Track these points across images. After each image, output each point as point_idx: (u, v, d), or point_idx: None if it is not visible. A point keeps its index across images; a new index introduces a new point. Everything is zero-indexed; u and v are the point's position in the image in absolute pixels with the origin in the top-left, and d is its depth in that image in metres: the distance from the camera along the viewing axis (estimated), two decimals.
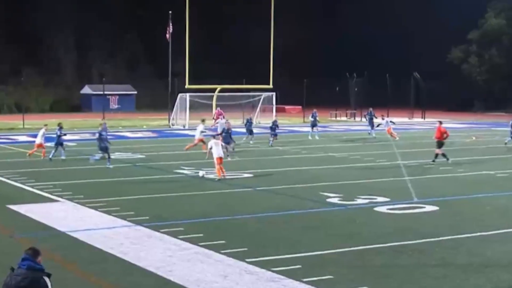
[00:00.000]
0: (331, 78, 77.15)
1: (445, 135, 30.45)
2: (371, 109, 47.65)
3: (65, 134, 32.35)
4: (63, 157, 30.67)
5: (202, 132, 34.47)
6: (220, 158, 24.89)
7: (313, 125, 43.47)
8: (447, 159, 29.80)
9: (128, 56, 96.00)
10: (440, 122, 31.38)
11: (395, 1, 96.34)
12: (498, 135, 45.47)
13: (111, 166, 28.18)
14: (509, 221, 17.76)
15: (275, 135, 38.98)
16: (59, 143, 31.14)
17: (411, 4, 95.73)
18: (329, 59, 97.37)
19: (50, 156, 30.77)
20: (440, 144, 30.41)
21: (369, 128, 45.85)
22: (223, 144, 28.74)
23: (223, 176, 24.66)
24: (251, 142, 39.23)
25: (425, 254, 14.29)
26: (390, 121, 44.45)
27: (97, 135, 29.66)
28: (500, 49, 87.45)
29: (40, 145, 31.78)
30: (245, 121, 43.07)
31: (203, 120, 36.03)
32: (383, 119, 44.22)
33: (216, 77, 71.36)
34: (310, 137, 42.67)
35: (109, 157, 28.82)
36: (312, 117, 43.80)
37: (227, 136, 31.45)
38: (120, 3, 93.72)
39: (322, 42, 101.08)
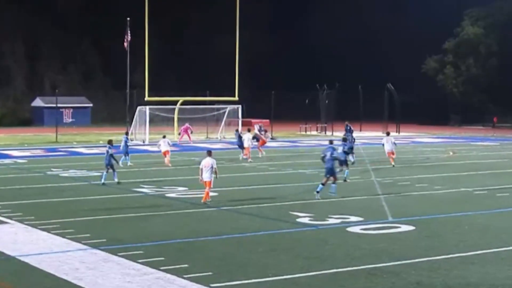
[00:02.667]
0: (300, 90, 77.53)
1: None
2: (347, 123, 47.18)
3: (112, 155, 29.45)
4: (116, 179, 28.81)
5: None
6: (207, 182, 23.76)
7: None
8: None
9: (83, 66, 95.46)
10: None
11: (366, 8, 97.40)
12: (476, 150, 46.05)
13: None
14: (489, 241, 17.94)
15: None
16: (110, 164, 28.91)
17: (383, 12, 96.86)
18: (297, 70, 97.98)
19: (102, 181, 28.72)
20: None
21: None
22: None
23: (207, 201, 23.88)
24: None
25: (401, 277, 14.36)
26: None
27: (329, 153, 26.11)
28: (477, 60, 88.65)
29: (166, 152, 36.47)
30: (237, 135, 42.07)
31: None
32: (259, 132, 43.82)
33: (178, 88, 71.29)
34: None
35: (334, 182, 25.51)
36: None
37: None
38: (74, 9, 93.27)
39: (290, 52, 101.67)
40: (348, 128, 46.56)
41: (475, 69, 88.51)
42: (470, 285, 13.84)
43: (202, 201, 23.60)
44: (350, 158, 38.79)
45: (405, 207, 23.25)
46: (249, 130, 41.89)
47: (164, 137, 38.59)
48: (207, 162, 23.60)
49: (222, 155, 40.95)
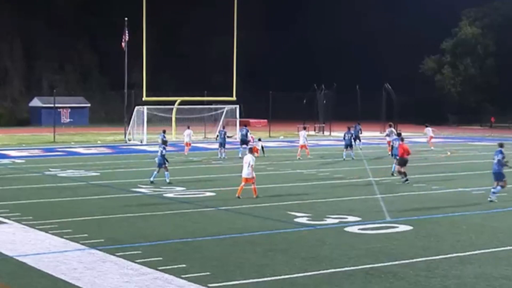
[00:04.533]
0: (298, 90, 77.57)
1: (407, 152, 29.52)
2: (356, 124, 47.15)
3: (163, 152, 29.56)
4: (167, 180, 28.74)
5: None
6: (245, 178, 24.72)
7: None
8: (406, 180, 29.17)
9: (81, 66, 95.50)
10: (402, 139, 30.86)
11: (365, 9, 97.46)
12: (474, 150, 46.07)
13: None
14: (487, 241, 17.96)
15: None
16: (161, 163, 28.91)
17: (381, 12, 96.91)
18: (295, 70, 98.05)
19: (152, 179, 28.70)
20: (403, 162, 29.51)
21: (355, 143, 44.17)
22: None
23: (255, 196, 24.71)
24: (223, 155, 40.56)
25: (398, 278, 14.37)
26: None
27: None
28: (475, 60, 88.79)
29: (188, 144, 42.02)
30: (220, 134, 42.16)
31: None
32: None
33: (176, 88, 71.36)
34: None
35: None
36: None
37: None
38: (70, 10, 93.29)
39: (288, 52, 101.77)
40: (354, 127, 46.58)
41: (473, 69, 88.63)
42: (467, 285, 13.85)
43: (254, 196, 24.67)
44: (351, 153, 39.57)
45: (403, 207, 23.25)
46: (304, 128, 42.26)
47: (188, 127, 43.48)
48: (246, 159, 24.87)
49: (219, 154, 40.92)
